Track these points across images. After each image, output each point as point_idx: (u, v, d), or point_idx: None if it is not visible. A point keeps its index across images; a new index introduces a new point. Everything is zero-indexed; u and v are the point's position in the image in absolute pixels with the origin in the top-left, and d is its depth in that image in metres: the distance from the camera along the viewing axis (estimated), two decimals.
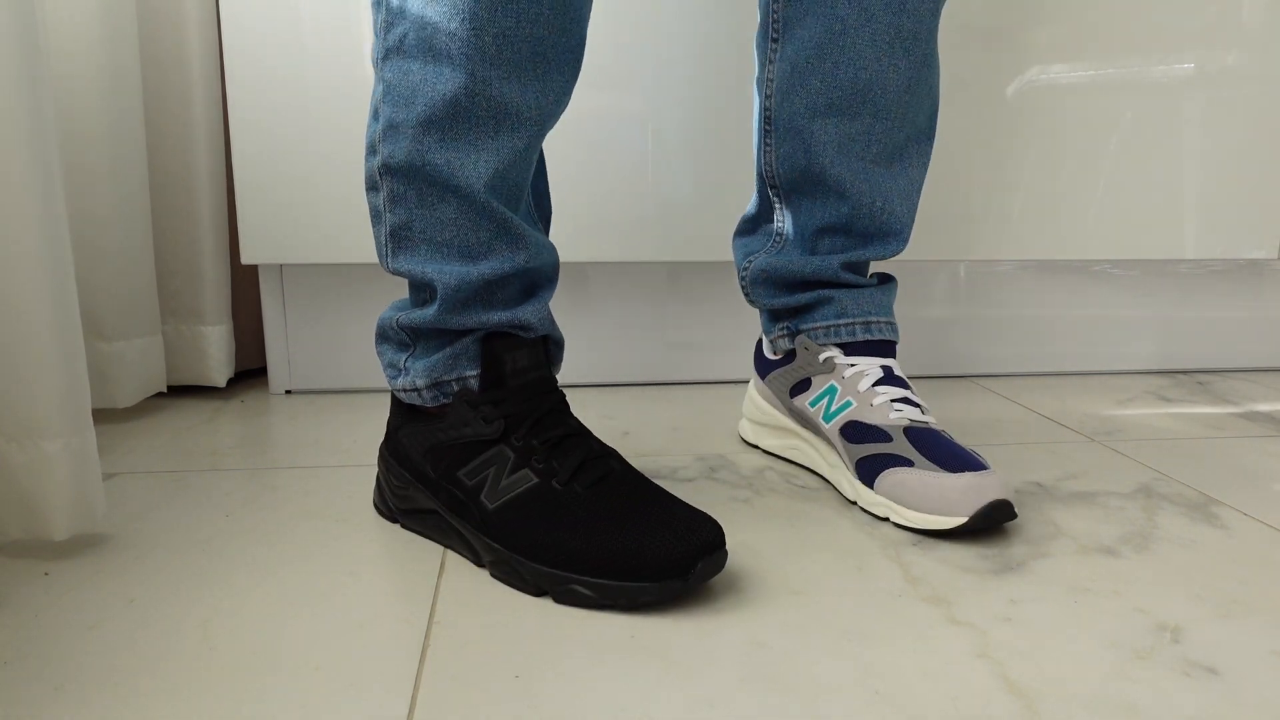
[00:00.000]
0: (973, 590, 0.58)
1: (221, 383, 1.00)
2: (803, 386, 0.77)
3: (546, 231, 0.70)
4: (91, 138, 0.84)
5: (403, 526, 0.66)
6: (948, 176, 1.05)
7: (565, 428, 0.61)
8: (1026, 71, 1.03)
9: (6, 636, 0.51)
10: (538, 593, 0.56)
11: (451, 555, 0.62)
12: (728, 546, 0.59)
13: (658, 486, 0.59)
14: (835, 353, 0.74)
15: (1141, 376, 1.17)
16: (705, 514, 0.57)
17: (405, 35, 0.57)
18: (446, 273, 0.60)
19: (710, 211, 1.01)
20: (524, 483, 0.58)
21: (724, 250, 1.00)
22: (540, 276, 0.64)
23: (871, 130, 0.71)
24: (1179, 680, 0.48)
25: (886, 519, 0.68)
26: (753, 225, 0.81)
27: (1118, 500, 0.73)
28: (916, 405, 0.72)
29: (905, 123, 0.72)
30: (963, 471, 0.64)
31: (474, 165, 0.58)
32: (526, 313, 0.62)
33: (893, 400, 0.71)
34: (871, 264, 0.80)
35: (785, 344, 0.79)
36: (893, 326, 0.76)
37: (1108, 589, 0.58)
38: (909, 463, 0.67)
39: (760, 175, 0.78)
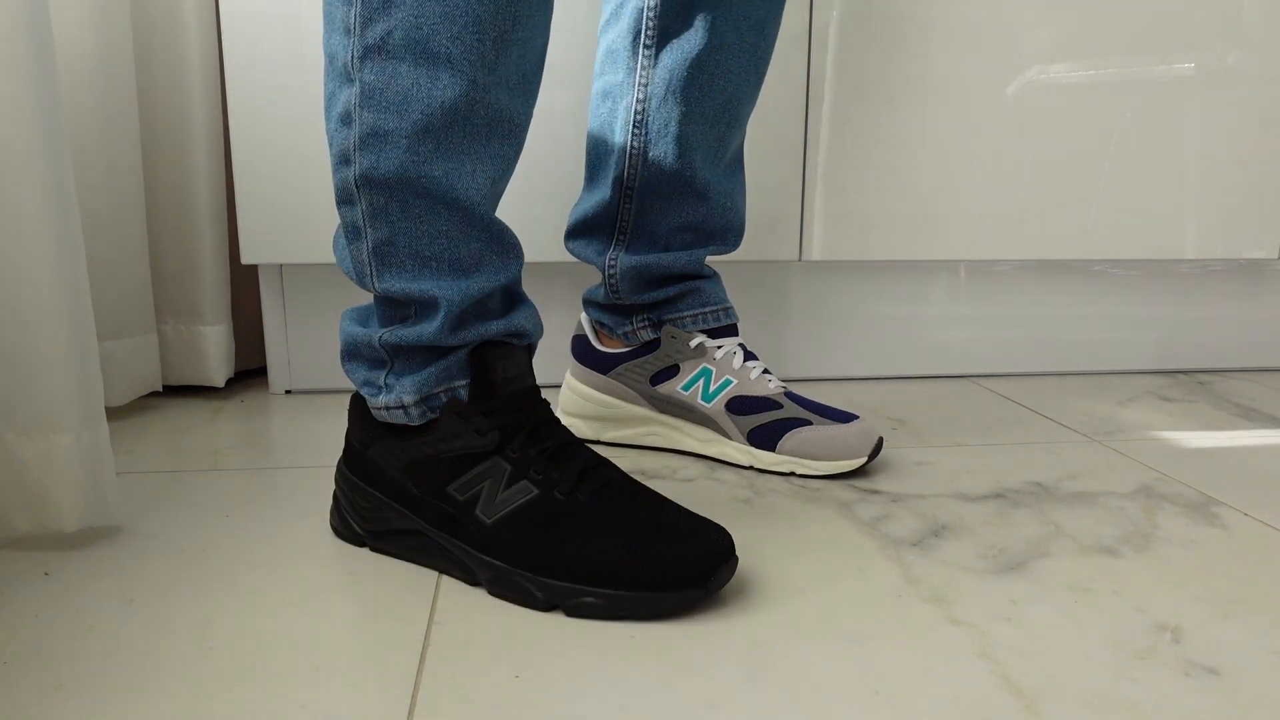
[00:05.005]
0: (973, 590, 0.58)
1: (220, 382, 1.00)
2: (669, 373, 0.81)
3: None
4: (85, 138, 0.84)
5: (372, 550, 0.62)
6: (948, 176, 1.05)
7: (559, 437, 0.59)
8: (1026, 71, 1.03)
9: (6, 636, 0.51)
10: (547, 608, 0.54)
11: None
12: None
13: (658, 494, 0.59)
14: (703, 338, 0.80)
15: (1141, 376, 1.17)
16: (711, 521, 0.57)
17: (390, 33, 0.52)
18: (446, 288, 0.57)
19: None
20: (523, 495, 0.56)
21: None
22: (519, 281, 0.63)
23: (727, 138, 0.78)
24: (1179, 680, 0.48)
25: (791, 473, 0.77)
26: (594, 225, 0.81)
27: (1118, 500, 0.73)
28: (770, 372, 0.83)
29: (743, 133, 0.80)
30: (850, 421, 0.78)
31: (473, 176, 0.55)
32: (520, 319, 0.61)
33: (762, 372, 0.81)
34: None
35: (648, 334, 0.82)
36: (733, 310, 0.84)
37: (1108, 589, 0.58)
38: (807, 423, 0.77)
39: (616, 176, 0.78)
